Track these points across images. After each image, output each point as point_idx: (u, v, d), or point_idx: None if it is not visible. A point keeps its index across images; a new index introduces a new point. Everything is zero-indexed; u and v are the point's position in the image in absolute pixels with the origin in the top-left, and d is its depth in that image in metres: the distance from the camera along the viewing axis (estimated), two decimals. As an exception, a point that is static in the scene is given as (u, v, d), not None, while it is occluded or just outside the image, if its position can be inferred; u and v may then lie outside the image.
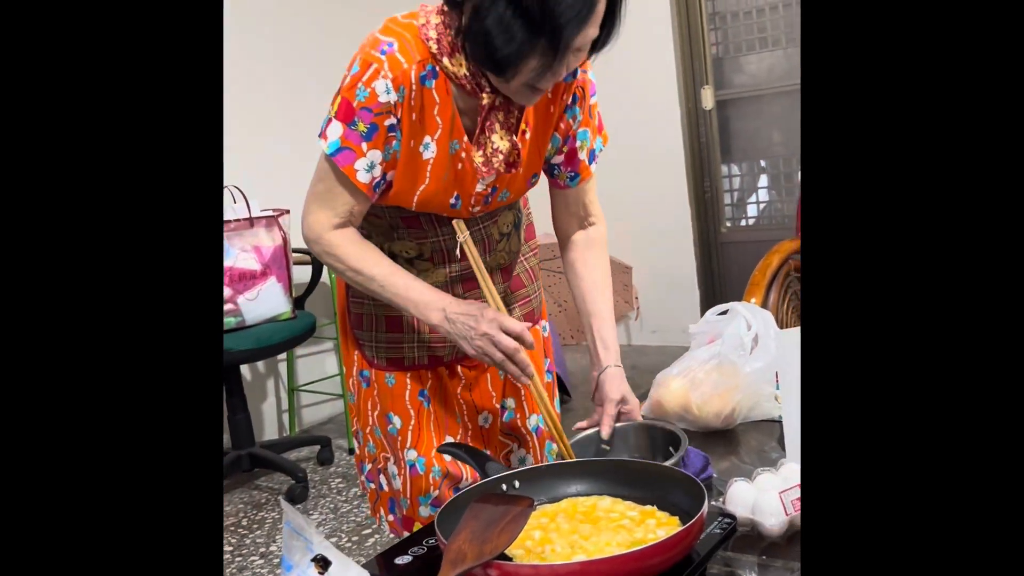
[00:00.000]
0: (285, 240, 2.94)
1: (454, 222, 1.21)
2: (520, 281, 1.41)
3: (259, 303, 2.84)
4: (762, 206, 4.36)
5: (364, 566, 0.90)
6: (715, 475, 1.20)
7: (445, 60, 1.13)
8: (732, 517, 0.99)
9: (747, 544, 1.03)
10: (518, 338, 1.15)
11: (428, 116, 1.16)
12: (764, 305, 2.24)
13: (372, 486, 1.42)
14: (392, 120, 1.14)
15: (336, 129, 1.14)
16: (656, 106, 4.17)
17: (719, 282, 4.36)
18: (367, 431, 1.38)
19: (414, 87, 1.13)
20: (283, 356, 3.64)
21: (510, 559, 0.91)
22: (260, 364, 3.62)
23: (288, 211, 3.01)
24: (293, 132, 3.65)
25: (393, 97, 1.12)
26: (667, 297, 4.33)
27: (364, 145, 1.14)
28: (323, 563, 0.84)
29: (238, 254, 2.81)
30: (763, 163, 4.31)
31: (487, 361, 1.17)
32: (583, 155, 1.31)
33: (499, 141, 1.18)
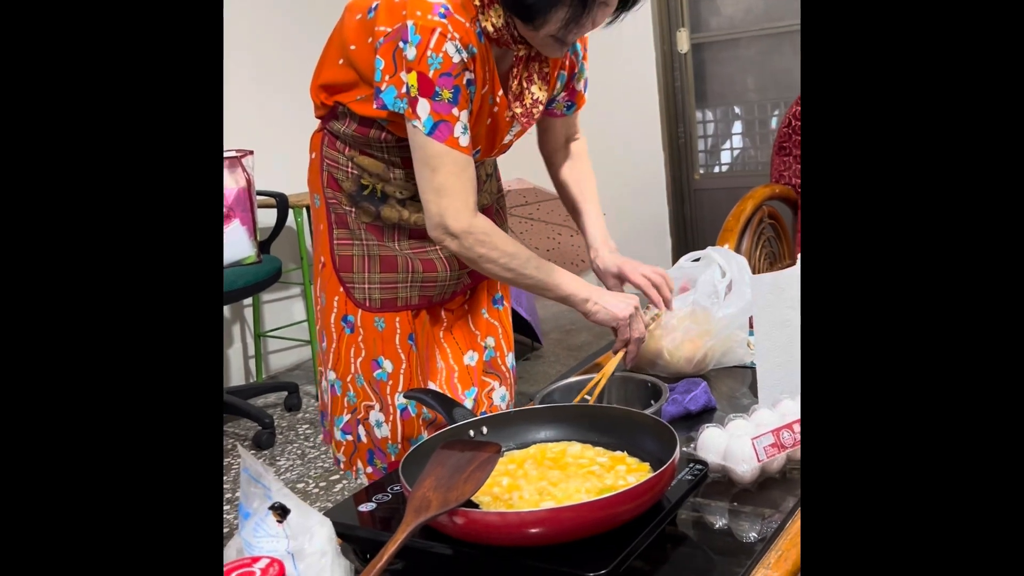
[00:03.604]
0: (249, 182, 2.85)
1: None
2: (498, 221, 1.43)
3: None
4: (735, 153, 4.33)
5: (326, 514, 0.87)
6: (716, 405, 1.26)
7: (483, 14, 1.14)
8: (704, 464, 0.97)
9: (717, 491, 1.01)
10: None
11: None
12: (737, 251, 2.22)
13: (348, 438, 1.38)
14: (469, 75, 1.14)
15: (424, 107, 1.12)
16: (630, 49, 4.08)
17: (692, 229, 4.34)
18: (348, 380, 1.35)
19: (480, 42, 1.14)
20: (249, 301, 3.57)
21: (477, 506, 0.88)
22: (225, 309, 3.56)
23: (252, 152, 2.91)
24: (258, 71, 3.53)
25: (464, 55, 1.12)
26: (639, 244, 4.30)
27: (454, 110, 1.13)
28: (281, 511, 0.81)
29: (200, 196, 2.73)
30: (737, 109, 4.27)
31: (624, 324, 1.27)
32: (579, 85, 1.36)
33: (538, 92, 1.21)
